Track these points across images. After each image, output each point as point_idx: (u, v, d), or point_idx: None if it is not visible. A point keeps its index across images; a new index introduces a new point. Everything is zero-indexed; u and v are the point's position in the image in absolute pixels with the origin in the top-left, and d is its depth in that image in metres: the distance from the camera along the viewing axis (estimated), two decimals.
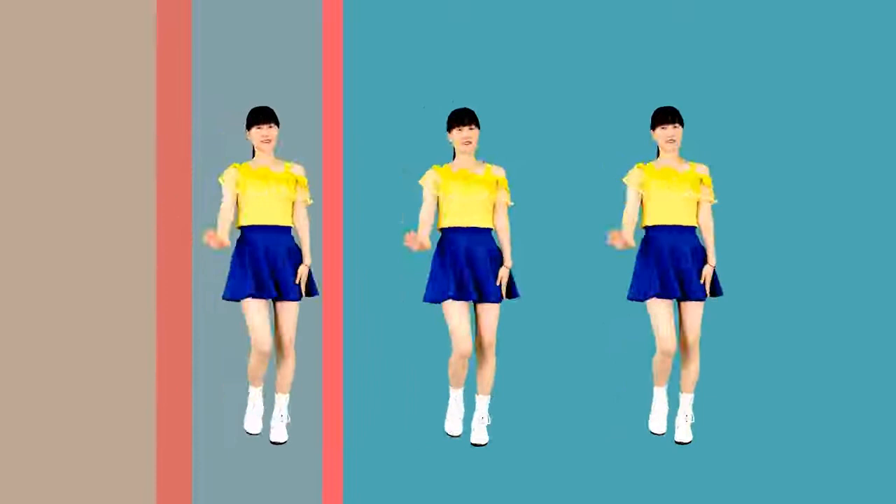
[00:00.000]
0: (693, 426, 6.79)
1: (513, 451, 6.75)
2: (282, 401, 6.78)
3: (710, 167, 6.73)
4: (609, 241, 6.58)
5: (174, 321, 6.80)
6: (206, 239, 6.50)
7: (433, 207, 6.70)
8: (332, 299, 6.86)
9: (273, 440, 6.78)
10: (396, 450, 6.78)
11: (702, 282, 6.65)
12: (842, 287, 7.25)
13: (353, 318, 6.92)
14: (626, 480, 6.44)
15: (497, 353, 6.74)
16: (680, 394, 6.81)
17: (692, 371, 6.76)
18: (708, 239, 6.71)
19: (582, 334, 7.10)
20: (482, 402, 6.79)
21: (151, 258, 6.81)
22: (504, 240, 6.72)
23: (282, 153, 6.80)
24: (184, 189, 6.83)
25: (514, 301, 6.77)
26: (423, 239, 6.58)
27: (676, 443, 6.78)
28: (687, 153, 6.75)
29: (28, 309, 6.78)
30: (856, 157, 7.31)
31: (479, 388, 6.78)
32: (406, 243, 6.49)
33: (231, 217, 6.61)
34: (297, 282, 6.64)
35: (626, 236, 6.60)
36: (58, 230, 6.83)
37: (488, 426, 6.78)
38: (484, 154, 6.80)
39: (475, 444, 6.77)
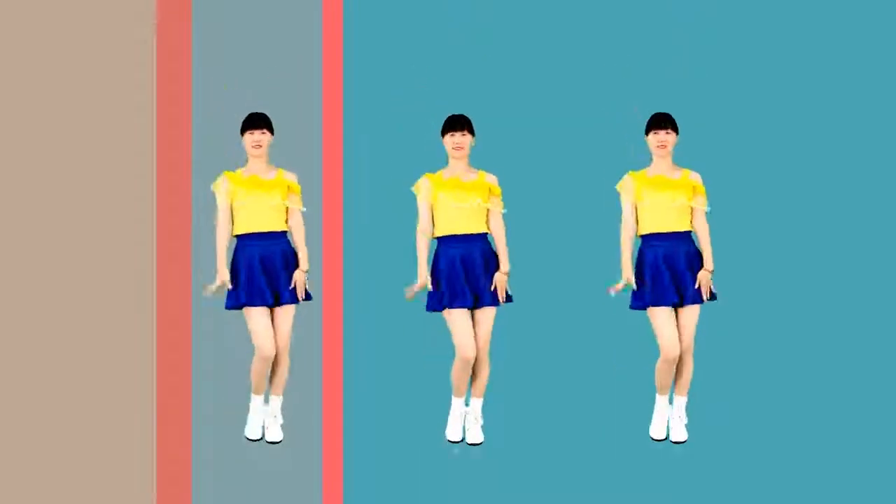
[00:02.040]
0: (689, 427, 6.84)
1: (512, 454, 6.77)
2: (276, 402, 6.87)
3: (705, 173, 6.75)
4: (611, 292, 6.66)
5: (174, 322, 6.80)
6: (205, 292, 6.68)
7: (429, 215, 6.73)
8: (332, 301, 6.86)
9: (270, 440, 6.84)
10: (396, 451, 6.79)
11: (697, 286, 6.67)
12: (835, 290, 7.28)
13: (353, 320, 6.93)
14: (623, 482, 6.46)
15: (496, 358, 6.80)
16: (674, 396, 6.86)
17: (686, 374, 6.81)
18: (704, 245, 6.73)
19: (582, 340, 7.14)
20: (476, 403, 6.85)
21: (151, 259, 6.80)
22: (500, 245, 6.75)
23: (282, 156, 6.81)
24: (184, 191, 6.82)
25: (514, 306, 6.81)
26: (419, 284, 6.69)
27: (673, 442, 6.84)
28: (682, 159, 6.77)
29: (28, 310, 6.78)
30: (847, 160, 7.34)
31: (473, 391, 6.84)
32: (406, 297, 6.68)
33: (228, 231, 6.73)
34: (291, 287, 6.70)
35: (625, 274, 6.68)
36: (57, 230, 6.82)
37: (483, 427, 6.84)
38: (484, 157, 6.80)
39: (472, 444, 6.82)
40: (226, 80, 7.04)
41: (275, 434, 6.86)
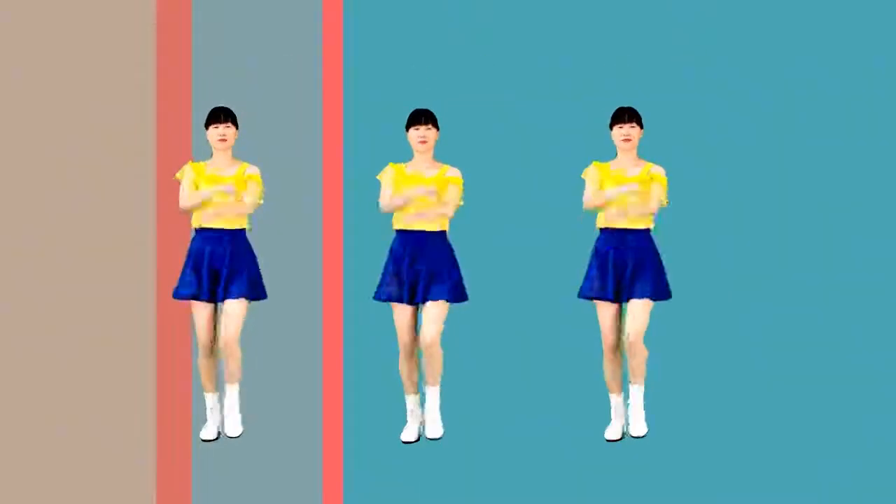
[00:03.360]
0: (651, 424, 6.79)
1: (512, 452, 6.76)
2: (232, 393, 6.75)
3: (670, 169, 6.75)
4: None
5: (174, 322, 6.80)
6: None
7: (391, 192, 6.74)
8: (331, 301, 6.86)
9: (229, 434, 6.75)
10: (396, 451, 6.78)
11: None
12: (801, 286, 7.29)
13: (353, 319, 6.93)
14: (610, 479, 6.46)
15: (463, 356, 6.78)
16: (630, 386, 6.80)
17: (638, 359, 6.72)
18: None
19: (542, 333, 7.14)
20: (431, 392, 6.77)
21: (152, 259, 6.81)
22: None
23: (282, 155, 6.80)
24: None
25: (474, 303, 6.81)
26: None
27: (632, 437, 6.78)
28: (649, 154, 6.78)
29: (28, 310, 6.79)
30: (815, 158, 7.35)
31: (427, 379, 6.77)
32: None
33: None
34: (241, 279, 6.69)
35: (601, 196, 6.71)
36: (57, 230, 6.83)
37: (442, 422, 6.79)
38: (473, 152, 6.81)
39: (430, 439, 6.75)
40: (226, 80, 7.04)
41: (233, 427, 6.75)
